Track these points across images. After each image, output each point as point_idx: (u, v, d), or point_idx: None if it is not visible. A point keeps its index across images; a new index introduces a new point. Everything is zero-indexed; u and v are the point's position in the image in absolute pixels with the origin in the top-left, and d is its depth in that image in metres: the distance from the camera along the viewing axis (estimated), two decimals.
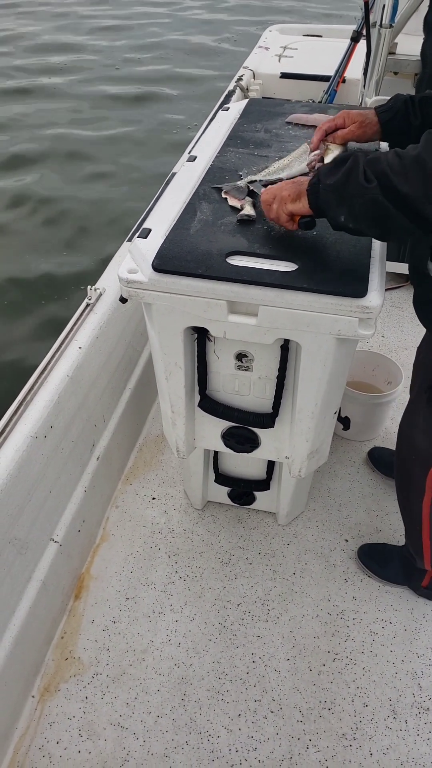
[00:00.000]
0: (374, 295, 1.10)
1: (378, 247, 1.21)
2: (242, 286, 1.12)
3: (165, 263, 1.14)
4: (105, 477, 1.91)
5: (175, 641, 1.66)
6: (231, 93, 3.26)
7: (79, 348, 1.69)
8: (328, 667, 1.60)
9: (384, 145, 1.44)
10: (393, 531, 1.90)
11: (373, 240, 1.22)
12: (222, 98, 3.21)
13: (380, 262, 1.17)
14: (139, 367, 2.15)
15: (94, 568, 1.82)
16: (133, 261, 1.19)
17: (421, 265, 1.22)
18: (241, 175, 1.41)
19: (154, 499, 2.00)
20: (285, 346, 1.27)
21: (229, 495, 1.88)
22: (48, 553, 1.59)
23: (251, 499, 1.88)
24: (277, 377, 1.32)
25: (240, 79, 3.45)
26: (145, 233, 1.23)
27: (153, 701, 1.53)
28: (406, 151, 0.96)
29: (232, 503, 1.92)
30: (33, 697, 1.53)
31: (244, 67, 3.64)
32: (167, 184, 2.27)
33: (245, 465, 1.76)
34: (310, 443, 1.41)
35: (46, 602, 1.58)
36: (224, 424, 1.47)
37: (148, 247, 1.18)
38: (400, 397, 2.07)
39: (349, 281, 1.10)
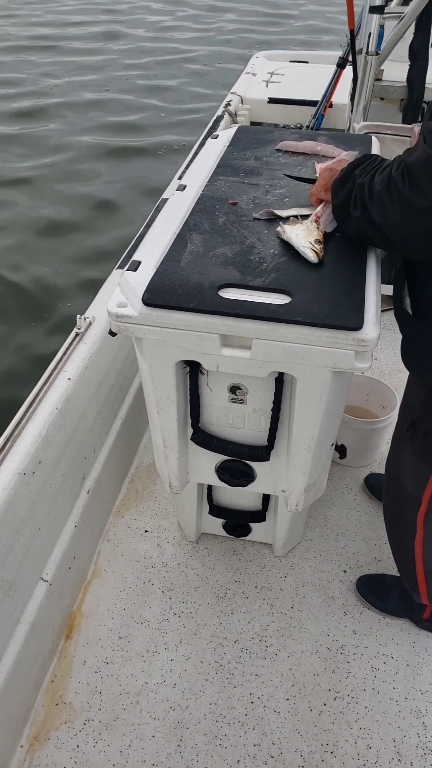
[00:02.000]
0: (370, 328, 1.07)
1: (373, 277, 1.19)
2: (235, 319, 1.09)
3: (155, 297, 1.11)
4: (96, 510, 1.86)
5: (170, 682, 1.60)
6: (220, 118, 3.28)
7: (68, 379, 1.66)
8: (329, 706, 1.55)
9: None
10: (392, 561, 1.85)
11: (368, 270, 1.20)
12: (211, 123, 3.23)
13: (375, 293, 1.15)
14: (130, 395, 2.11)
15: (86, 605, 1.76)
16: (122, 294, 1.16)
17: (399, 301, 1.21)
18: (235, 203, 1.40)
19: (146, 531, 1.95)
20: (280, 379, 1.23)
21: (224, 527, 1.83)
22: (37, 594, 1.53)
23: (247, 531, 1.83)
24: (272, 410, 1.29)
25: (228, 104, 3.47)
26: (135, 266, 1.20)
27: (147, 748, 1.47)
28: (375, 184, 1.04)
29: (227, 535, 1.87)
30: (21, 747, 1.46)
31: (232, 93, 3.67)
32: (157, 210, 2.27)
33: (240, 496, 1.72)
34: (307, 476, 1.37)
35: (36, 645, 1.52)
36: (218, 458, 1.43)
37: (137, 281, 1.15)
38: (395, 422, 2.04)
39: (344, 314, 1.08)
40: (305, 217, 1.30)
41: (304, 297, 1.11)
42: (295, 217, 1.30)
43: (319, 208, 1.29)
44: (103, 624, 1.71)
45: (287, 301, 1.11)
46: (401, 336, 1.26)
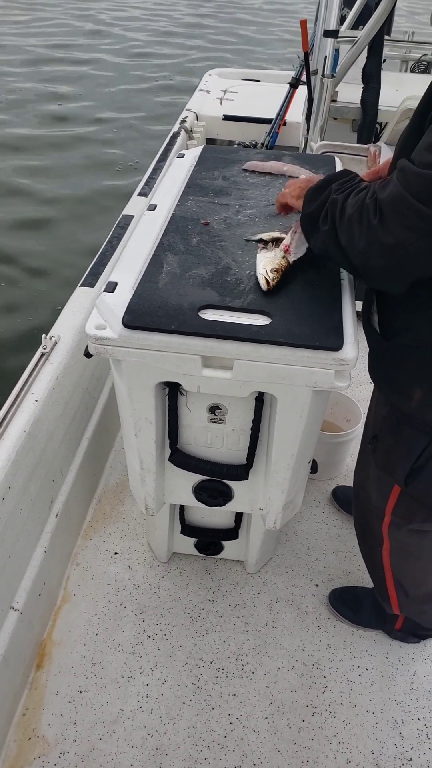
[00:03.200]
0: (349, 347, 1.09)
1: (348, 297, 1.21)
2: (216, 340, 1.09)
3: (136, 319, 1.09)
4: (64, 534, 1.81)
5: (147, 707, 1.57)
6: (176, 135, 3.29)
7: (36, 401, 1.61)
8: (307, 722, 1.55)
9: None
10: (362, 572, 1.89)
11: (343, 290, 1.22)
12: (167, 140, 3.23)
13: (351, 313, 1.17)
14: (96, 413, 2.08)
15: (57, 632, 1.70)
16: (100, 316, 1.14)
17: (367, 317, 1.24)
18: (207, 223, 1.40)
19: (116, 553, 1.91)
20: (260, 398, 1.24)
21: (196, 545, 1.82)
22: (8, 624, 1.48)
23: (219, 549, 1.82)
24: (252, 429, 1.29)
25: (184, 121, 3.49)
26: (111, 287, 1.18)
27: None
28: (348, 205, 1.03)
29: (199, 554, 1.86)
30: None
31: (187, 110, 3.69)
32: (119, 227, 2.25)
33: (212, 514, 1.71)
34: (286, 494, 1.38)
35: (7, 677, 1.46)
36: (196, 478, 1.42)
37: (116, 302, 1.14)
38: (360, 435, 2.08)
39: (323, 334, 1.09)
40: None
41: (284, 318, 1.12)
42: (272, 241, 1.32)
43: (288, 237, 1.30)
44: (75, 651, 1.67)
45: (267, 322, 1.11)
46: (368, 349, 1.29)
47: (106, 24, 10.61)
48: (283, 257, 1.24)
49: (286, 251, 1.26)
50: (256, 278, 1.20)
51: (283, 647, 1.70)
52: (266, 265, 1.21)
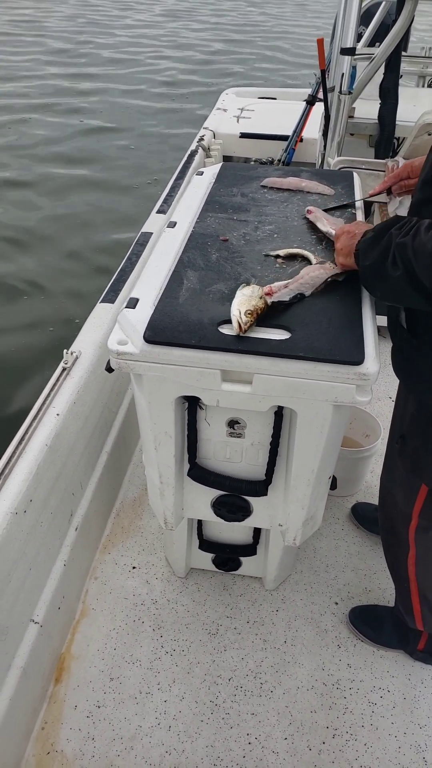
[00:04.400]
0: (371, 362, 1.09)
1: (368, 311, 1.21)
2: (236, 355, 1.10)
3: (157, 335, 1.11)
4: (83, 547, 1.82)
5: (165, 724, 1.55)
6: (194, 152, 3.33)
7: (57, 415, 1.63)
8: (328, 744, 1.52)
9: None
10: (382, 591, 1.86)
11: (363, 304, 1.22)
12: (185, 158, 3.28)
13: (372, 328, 1.17)
14: (115, 428, 2.09)
15: (75, 646, 1.70)
16: (122, 332, 1.16)
17: (394, 314, 1.24)
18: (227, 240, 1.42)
19: (134, 568, 1.91)
20: (279, 412, 1.24)
21: (214, 561, 1.81)
22: (28, 636, 1.48)
23: (237, 565, 1.81)
24: (271, 444, 1.29)
25: (201, 139, 3.54)
26: (133, 303, 1.20)
27: None
28: (425, 241, 0.98)
29: (216, 570, 1.85)
30: None
31: (204, 128, 3.74)
32: (138, 244, 2.28)
33: (231, 530, 1.70)
34: (306, 510, 1.37)
35: (26, 690, 1.46)
36: (214, 493, 1.42)
37: (137, 318, 1.15)
38: (379, 451, 2.07)
39: (344, 348, 1.09)
40: (302, 256, 1.33)
41: (304, 332, 1.13)
42: (290, 257, 1.33)
43: (277, 284, 1.22)
44: (93, 665, 1.66)
45: (287, 337, 1.12)
46: (390, 346, 1.29)
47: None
48: (261, 298, 1.15)
49: (268, 294, 1.18)
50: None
51: (303, 666, 1.68)
52: (240, 305, 1.12)
